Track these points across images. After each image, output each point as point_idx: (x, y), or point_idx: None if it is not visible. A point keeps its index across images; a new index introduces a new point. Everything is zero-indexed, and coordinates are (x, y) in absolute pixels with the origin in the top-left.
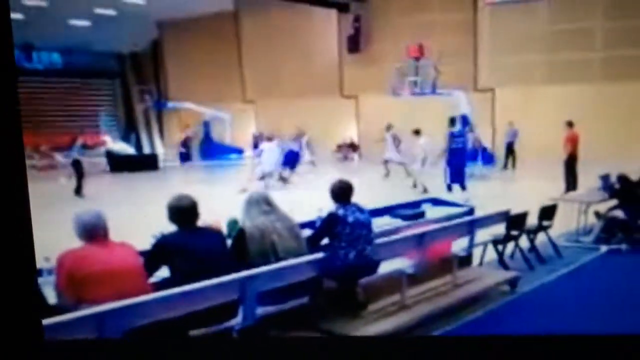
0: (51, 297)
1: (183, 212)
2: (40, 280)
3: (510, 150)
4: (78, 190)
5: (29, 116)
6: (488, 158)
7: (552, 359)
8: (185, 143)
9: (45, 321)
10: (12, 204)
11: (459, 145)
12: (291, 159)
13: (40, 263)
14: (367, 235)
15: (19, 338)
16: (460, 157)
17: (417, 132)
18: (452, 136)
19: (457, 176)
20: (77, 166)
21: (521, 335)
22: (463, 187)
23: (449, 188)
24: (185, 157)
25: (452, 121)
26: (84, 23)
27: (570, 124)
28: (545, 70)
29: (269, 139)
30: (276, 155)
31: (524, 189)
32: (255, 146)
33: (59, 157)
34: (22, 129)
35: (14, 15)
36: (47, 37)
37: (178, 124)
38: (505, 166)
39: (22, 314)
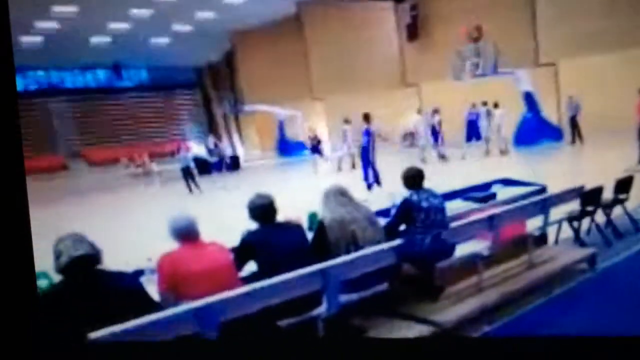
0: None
1: (262, 210)
2: (143, 279)
3: (574, 123)
4: (189, 189)
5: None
6: (555, 134)
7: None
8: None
9: (149, 317)
10: (11, 209)
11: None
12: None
13: (143, 263)
14: (442, 220)
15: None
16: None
17: (495, 105)
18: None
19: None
20: (186, 171)
21: (538, 337)
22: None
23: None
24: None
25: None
26: (164, 40)
27: None
28: (606, 37)
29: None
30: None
31: (595, 162)
32: (314, 149)
33: (154, 166)
34: (21, 133)
35: (103, 39)
36: (134, 57)
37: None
38: (573, 141)
39: (19, 314)
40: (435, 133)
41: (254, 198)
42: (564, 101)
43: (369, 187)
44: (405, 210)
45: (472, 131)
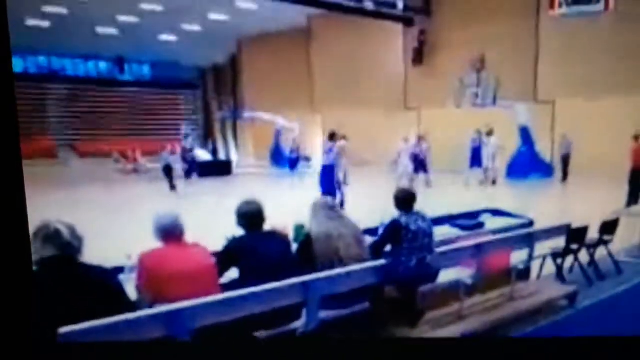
0: (132, 293)
1: (250, 216)
2: (122, 277)
3: (566, 162)
4: (172, 187)
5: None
6: (547, 170)
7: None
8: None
9: (119, 317)
10: (9, 206)
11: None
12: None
13: (122, 260)
14: (429, 244)
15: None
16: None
17: (489, 133)
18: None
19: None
20: (167, 170)
21: (533, 338)
22: None
23: None
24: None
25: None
26: (171, 38)
27: (637, 138)
28: (607, 82)
29: (406, 140)
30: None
31: (583, 201)
32: (292, 162)
33: (145, 163)
34: (19, 130)
35: (109, 30)
36: (138, 51)
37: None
38: (564, 179)
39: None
40: (419, 160)
41: (243, 204)
42: (558, 139)
43: None
44: (393, 230)
45: (475, 158)
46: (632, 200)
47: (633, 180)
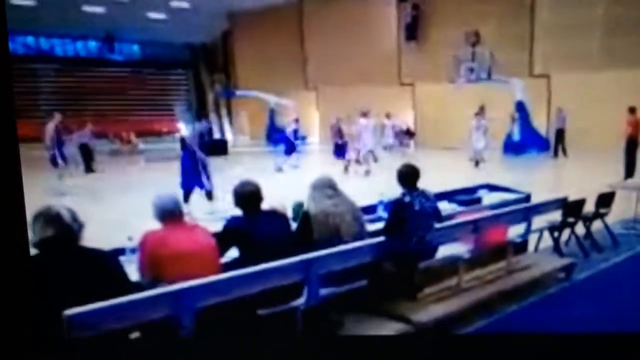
0: (133, 274)
1: (247, 197)
2: (122, 258)
3: (560, 137)
4: (88, 169)
5: (110, 104)
6: (543, 145)
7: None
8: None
9: (126, 298)
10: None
11: None
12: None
13: (124, 242)
14: (431, 222)
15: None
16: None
17: (482, 109)
18: None
19: None
20: (84, 149)
21: (531, 334)
22: None
23: None
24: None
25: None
26: (160, 16)
27: (632, 110)
28: (601, 56)
29: (364, 114)
30: (373, 133)
31: (579, 175)
32: (339, 133)
33: (140, 143)
34: (15, 117)
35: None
36: (127, 30)
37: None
38: (555, 154)
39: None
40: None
41: (239, 185)
42: (553, 113)
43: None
44: (399, 210)
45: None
46: (629, 172)
47: (629, 153)
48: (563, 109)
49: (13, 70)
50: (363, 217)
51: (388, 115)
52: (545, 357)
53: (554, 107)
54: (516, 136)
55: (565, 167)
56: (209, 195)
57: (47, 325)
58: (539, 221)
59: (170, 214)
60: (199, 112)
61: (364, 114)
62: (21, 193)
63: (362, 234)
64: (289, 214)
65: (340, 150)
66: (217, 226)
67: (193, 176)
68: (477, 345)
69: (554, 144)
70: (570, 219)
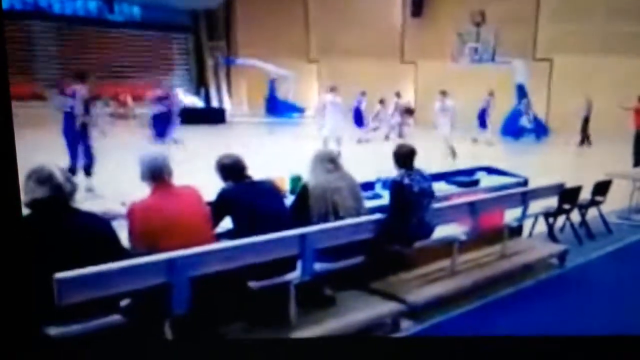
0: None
1: (230, 168)
2: (115, 224)
3: (586, 124)
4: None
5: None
6: (541, 129)
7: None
8: None
9: (117, 264)
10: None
11: None
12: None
13: (117, 207)
14: (428, 203)
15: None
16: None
17: (443, 93)
18: None
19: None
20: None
21: (526, 337)
22: None
23: None
24: None
25: None
26: None
27: None
28: (606, 40)
29: (332, 89)
30: (340, 115)
31: (579, 162)
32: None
33: (133, 107)
34: (8, 78)
35: None
36: None
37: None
38: (582, 142)
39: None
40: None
41: (221, 158)
42: (556, 96)
43: None
44: (398, 192)
45: (482, 118)
46: (638, 161)
47: (638, 141)
48: (589, 96)
49: (4, 26)
50: (362, 193)
51: (398, 94)
52: (545, 357)
53: (554, 92)
54: (515, 119)
55: (565, 153)
56: None
57: (38, 289)
58: (534, 206)
59: (158, 174)
60: (198, 79)
61: (332, 89)
62: (13, 151)
63: (359, 211)
64: (287, 186)
65: None
66: None
67: None
68: (477, 346)
69: (581, 132)
70: (566, 206)
